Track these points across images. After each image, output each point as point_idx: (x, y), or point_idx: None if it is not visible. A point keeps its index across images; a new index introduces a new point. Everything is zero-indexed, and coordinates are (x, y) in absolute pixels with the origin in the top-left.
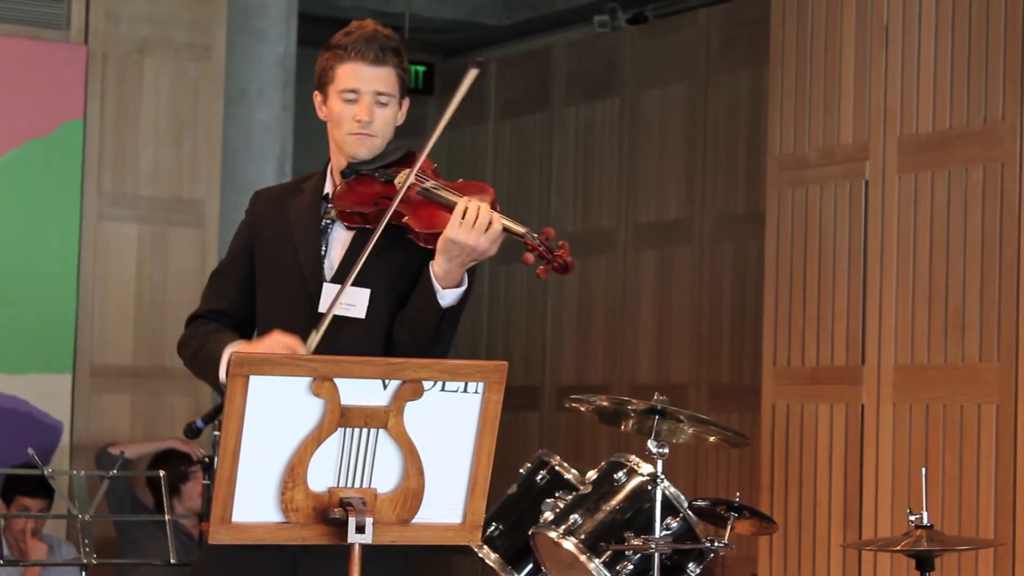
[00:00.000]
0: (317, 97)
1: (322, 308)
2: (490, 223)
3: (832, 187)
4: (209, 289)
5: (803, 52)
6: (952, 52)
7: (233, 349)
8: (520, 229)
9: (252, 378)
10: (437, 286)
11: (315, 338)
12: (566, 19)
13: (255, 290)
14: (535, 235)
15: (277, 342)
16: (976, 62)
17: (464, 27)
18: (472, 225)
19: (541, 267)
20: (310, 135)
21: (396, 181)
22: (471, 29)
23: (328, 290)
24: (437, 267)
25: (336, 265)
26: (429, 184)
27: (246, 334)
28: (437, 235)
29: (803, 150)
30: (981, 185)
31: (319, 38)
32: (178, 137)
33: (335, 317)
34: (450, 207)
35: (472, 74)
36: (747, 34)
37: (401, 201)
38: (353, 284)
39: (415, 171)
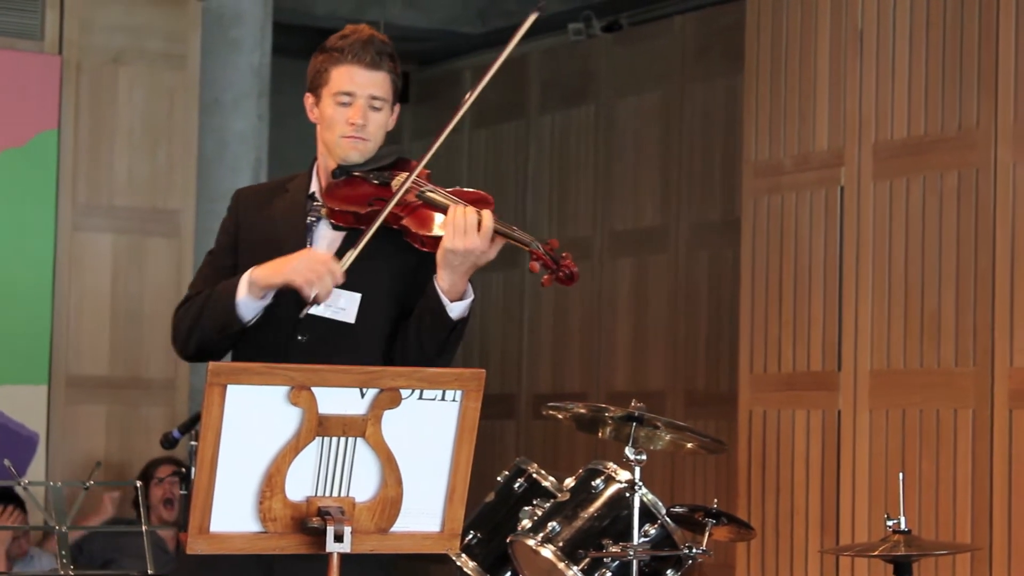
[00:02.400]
0: (309, 99)
1: (313, 308)
2: (480, 222)
3: (807, 194)
4: (195, 282)
5: (778, 59)
6: (926, 59)
7: (253, 268)
8: (525, 238)
9: (230, 387)
10: (445, 300)
11: (351, 255)
12: (540, 27)
13: None
14: (540, 245)
15: (314, 257)
16: (950, 69)
17: (439, 36)
18: (464, 229)
19: (546, 276)
20: (285, 144)
21: (393, 184)
22: (446, 38)
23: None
24: (442, 281)
25: None
26: (427, 188)
27: None
28: (433, 239)
29: (778, 157)
30: (956, 191)
31: (294, 48)
32: (153, 147)
33: (325, 321)
34: (445, 210)
35: (532, 17)
36: (722, 42)
37: (398, 204)
38: (344, 288)
39: (414, 175)
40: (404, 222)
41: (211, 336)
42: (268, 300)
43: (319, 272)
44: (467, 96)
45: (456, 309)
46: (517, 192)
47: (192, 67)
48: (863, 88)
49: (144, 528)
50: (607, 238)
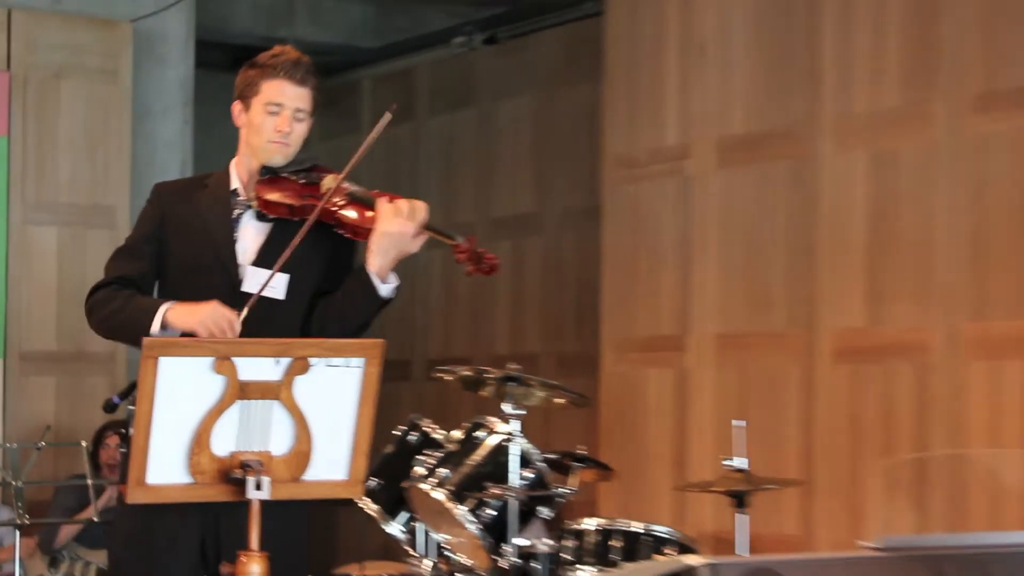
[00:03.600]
0: (237, 106)
1: (248, 287)
2: (414, 207)
3: (660, 183)
4: (116, 262)
5: (633, 67)
6: (759, 65)
7: (169, 306)
8: (450, 234)
9: (161, 359)
10: (376, 281)
11: (243, 313)
12: (429, 41)
13: (159, 270)
14: (464, 240)
15: (218, 312)
16: (780, 74)
17: (341, 50)
18: (398, 214)
19: (471, 267)
20: (208, 147)
21: (322, 184)
22: (347, 51)
23: (251, 272)
24: (373, 265)
25: (253, 249)
26: (354, 188)
27: None
28: (366, 229)
29: (634, 151)
30: (786, 179)
31: (214, 62)
32: (92, 151)
33: (261, 298)
34: (373, 206)
35: (387, 117)
36: (586, 52)
37: (330, 200)
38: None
39: (344, 175)
40: (338, 215)
41: (125, 340)
42: (177, 333)
43: (221, 327)
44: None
45: (385, 289)
46: (410, 183)
47: (124, 80)
48: (706, 91)
49: (90, 482)
50: (488, 223)
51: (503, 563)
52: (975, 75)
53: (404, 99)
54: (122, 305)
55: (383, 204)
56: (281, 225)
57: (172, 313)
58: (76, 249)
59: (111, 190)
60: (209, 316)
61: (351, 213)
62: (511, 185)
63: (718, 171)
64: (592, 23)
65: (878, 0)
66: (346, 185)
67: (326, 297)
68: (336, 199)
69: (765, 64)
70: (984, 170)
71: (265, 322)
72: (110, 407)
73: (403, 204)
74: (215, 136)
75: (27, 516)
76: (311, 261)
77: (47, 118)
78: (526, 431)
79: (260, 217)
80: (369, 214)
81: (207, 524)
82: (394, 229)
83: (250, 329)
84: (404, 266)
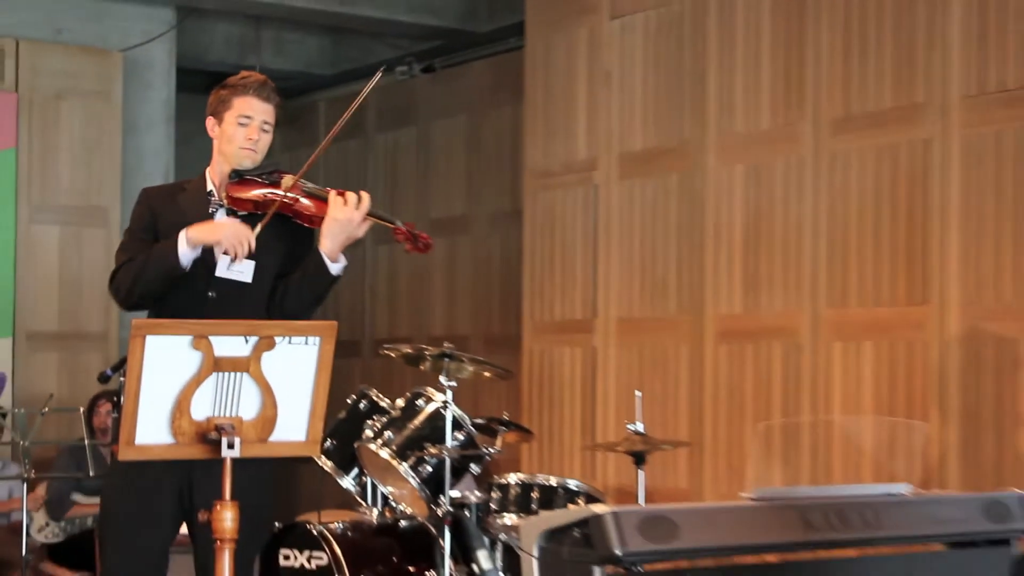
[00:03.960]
0: (210, 120)
1: (220, 272)
2: (360, 197)
3: (571, 191)
4: (126, 249)
5: (549, 93)
6: (654, 92)
7: (187, 228)
8: (390, 218)
9: (148, 337)
10: (327, 261)
11: (257, 230)
12: (375, 69)
13: None
14: (402, 224)
15: (238, 228)
16: (671, 99)
17: (300, 76)
18: (346, 203)
19: (408, 246)
20: (186, 158)
21: (282, 183)
22: (305, 78)
23: (223, 259)
24: (325, 247)
25: None
26: (309, 185)
27: None
28: (320, 217)
29: (550, 164)
30: (677, 188)
31: (192, 86)
32: (88, 160)
33: (229, 281)
34: (325, 198)
35: (377, 75)
36: (509, 80)
37: (290, 196)
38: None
39: (301, 174)
40: (296, 207)
41: (153, 285)
42: (199, 253)
43: (241, 240)
44: (336, 125)
45: (335, 268)
46: (359, 190)
47: (116, 101)
48: (611, 113)
49: (87, 442)
50: (426, 224)
51: (439, 512)
52: (834, 102)
53: (354, 119)
54: (143, 260)
55: (333, 195)
56: (248, 219)
57: (193, 230)
58: (74, 244)
59: (104, 194)
60: (231, 230)
61: (308, 204)
62: (446, 192)
63: (620, 181)
64: (514, 55)
65: (754, 39)
66: (303, 182)
67: (286, 277)
68: (294, 194)
69: (660, 91)
70: (842, 181)
71: (235, 302)
72: (103, 379)
73: (351, 195)
74: (193, 148)
75: (33, 471)
76: (273, 248)
77: (49, 133)
78: (459, 400)
79: (231, 213)
80: (323, 205)
81: (186, 478)
82: (342, 216)
83: (221, 307)
84: (355, 261)
